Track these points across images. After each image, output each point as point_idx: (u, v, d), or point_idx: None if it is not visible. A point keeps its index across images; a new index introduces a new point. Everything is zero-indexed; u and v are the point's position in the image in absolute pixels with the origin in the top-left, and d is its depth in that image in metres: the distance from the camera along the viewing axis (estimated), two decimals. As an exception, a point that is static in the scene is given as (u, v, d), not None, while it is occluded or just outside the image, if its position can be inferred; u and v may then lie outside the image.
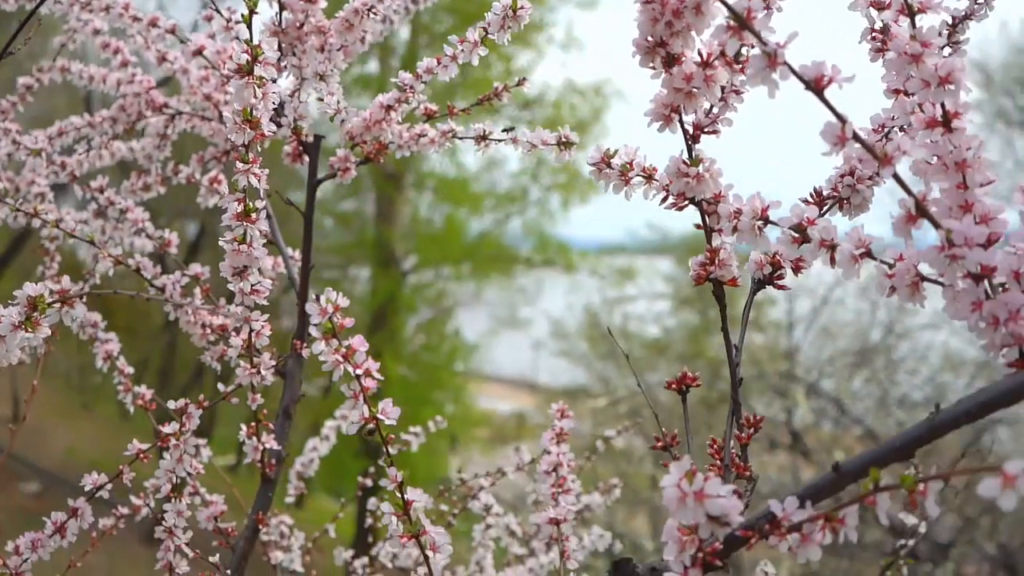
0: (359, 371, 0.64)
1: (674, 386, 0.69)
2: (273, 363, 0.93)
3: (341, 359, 0.63)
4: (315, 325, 0.62)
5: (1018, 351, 0.52)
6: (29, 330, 0.68)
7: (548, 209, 11.48)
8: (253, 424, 0.98)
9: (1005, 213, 0.55)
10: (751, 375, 6.70)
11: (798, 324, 7.49)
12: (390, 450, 0.67)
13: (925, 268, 0.56)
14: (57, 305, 0.70)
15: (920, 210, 0.53)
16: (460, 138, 1.01)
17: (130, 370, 1.12)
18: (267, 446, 0.99)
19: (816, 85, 0.52)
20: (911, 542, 1.12)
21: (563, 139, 0.87)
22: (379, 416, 0.65)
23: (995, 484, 0.41)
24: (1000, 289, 0.54)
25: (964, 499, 6.29)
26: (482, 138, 0.98)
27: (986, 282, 0.54)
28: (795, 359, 6.33)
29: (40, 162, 1.14)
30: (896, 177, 0.53)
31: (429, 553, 0.67)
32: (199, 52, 1.08)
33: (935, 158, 0.56)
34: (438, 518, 1.37)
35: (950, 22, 0.74)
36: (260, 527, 1.00)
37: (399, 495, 0.67)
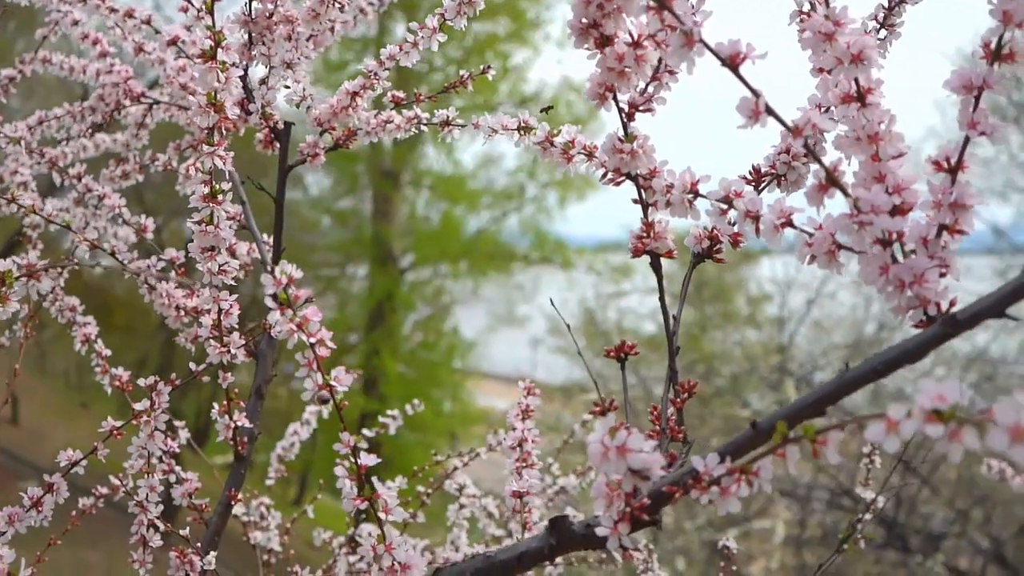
0: (313, 340, 0.67)
1: (612, 354, 0.72)
2: (243, 342, 0.96)
3: (295, 328, 0.66)
4: (270, 295, 0.65)
5: (923, 312, 0.55)
6: (-1, 304, 0.71)
7: (545, 206, 11.52)
8: (225, 403, 1.01)
9: (918, 183, 0.58)
10: (745, 370, 6.73)
11: (793, 318, 7.53)
12: (342, 414, 0.70)
13: (843, 237, 0.59)
14: (24, 279, 0.73)
15: (831, 179, 0.56)
16: (425, 124, 1.04)
17: (107, 352, 1.15)
18: (239, 424, 1.02)
19: (732, 62, 0.55)
20: (867, 516, 1.15)
21: (522, 124, 0.90)
22: (332, 383, 0.68)
23: (880, 429, 0.44)
24: (913, 255, 0.57)
25: (955, 492, 6.34)
26: (445, 124, 1.01)
27: (897, 248, 0.57)
28: (787, 353, 6.37)
29: (20, 150, 1.17)
30: (807, 148, 0.56)
31: (381, 515, 0.70)
32: (173, 42, 1.11)
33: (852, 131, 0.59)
34: (414, 500, 1.40)
35: (886, 5, 0.77)
36: (232, 503, 1.03)
37: (352, 460, 0.70)
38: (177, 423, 1.25)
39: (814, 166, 0.67)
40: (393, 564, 0.69)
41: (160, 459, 1.02)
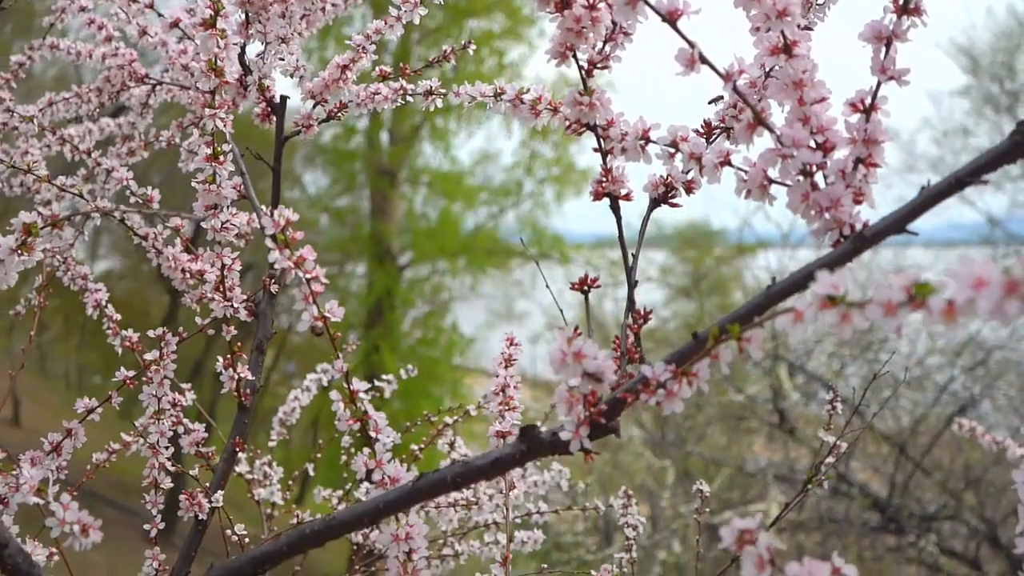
0: (309, 276, 0.75)
1: (576, 287, 0.80)
2: (244, 297, 1.04)
3: (293, 265, 0.74)
4: (269, 236, 0.73)
5: (839, 233, 0.63)
6: (24, 253, 0.79)
7: (542, 202, 11.61)
8: (229, 356, 1.09)
9: (838, 124, 0.66)
10: (739, 357, 6.81)
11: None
12: (336, 344, 0.77)
13: (772, 172, 0.67)
14: (48, 229, 0.81)
15: (757, 119, 0.64)
16: (410, 94, 1.12)
17: (118, 316, 1.22)
18: (242, 376, 1.09)
19: (671, 17, 0.63)
20: (831, 460, 1.23)
21: (498, 91, 0.97)
22: (327, 315, 0.76)
23: (788, 319, 0.52)
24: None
25: (948, 475, 6.43)
26: (429, 93, 1.09)
27: (821, 178, 0.65)
28: (780, 339, 6.46)
29: (33, 127, 1.25)
30: (736, 91, 0.64)
31: (372, 434, 0.77)
32: (175, 24, 1.18)
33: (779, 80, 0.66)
34: (408, 456, 1.48)
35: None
36: (237, 450, 1.11)
37: (346, 385, 0.78)
38: (185, 385, 1.32)
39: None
40: (383, 478, 0.77)
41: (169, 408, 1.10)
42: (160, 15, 1.24)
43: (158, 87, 1.35)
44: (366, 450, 0.79)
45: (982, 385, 6.87)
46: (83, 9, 1.33)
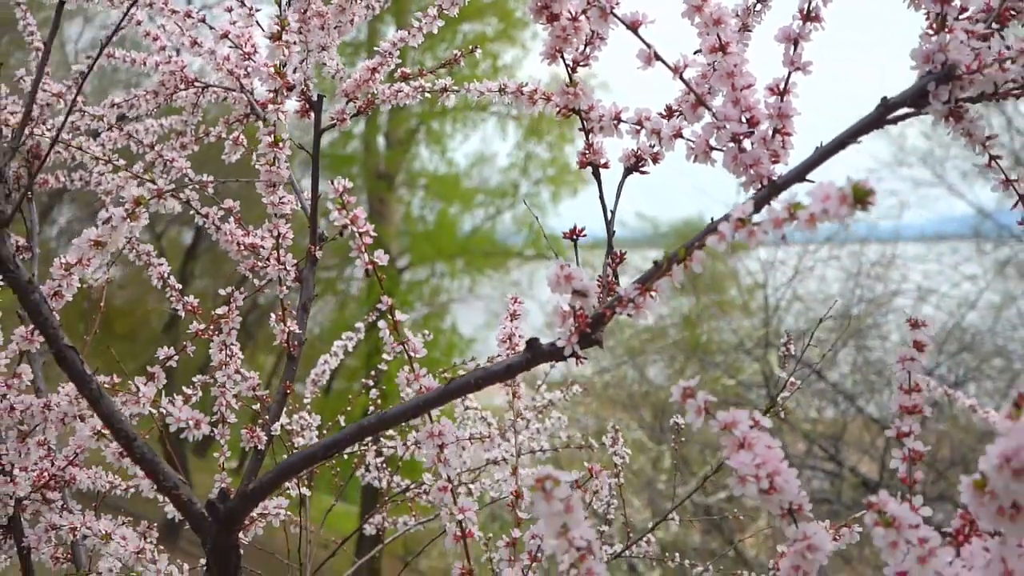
0: (361, 231, 0.96)
1: (568, 235, 1.02)
2: (295, 262, 1.25)
3: (349, 222, 0.96)
4: (331, 200, 0.95)
5: (760, 183, 0.84)
6: (133, 220, 1.00)
7: (539, 202, 11.83)
8: (280, 312, 1.30)
9: (760, 105, 0.88)
10: (732, 342, 7.04)
11: (777, 292, 7.87)
12: (382, 284, 0.99)
13: (712, 141, 0.88)
14: (155, 199, 1.02)
15: (699, 100, 0.85)
16: (428, 92, 1.33)
17: (179, 286, 1.44)
18: (291, 329, 1.31)
19: (633, 26, 0.84)
20: (787, 394, 1.44)
21: (502, 87, 1.19)
22: (376, 260, 0.97)
23: (715, 239, 0.74)
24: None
25: (935, 455, 6.66)
26: (444, 90, 1.31)
27: (749, 144, 0.87)
28: (772, 327, 6.69)
29: (104, 125, 1.46)
30: (684, 81, 0.85)
31: (411, 353, 0.99)
32: (225, 35, 1.40)
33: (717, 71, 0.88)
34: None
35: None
36: (288, 392, 1.33)
37: (391, 317, 0.99)
38: (237, 348, 1.53)
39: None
40: (420, 388, 0.98)
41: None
42: (212, 28, 1.46)
43: (206, 89, 1.56)
44: (405, 367, 1.00)
45: (966, 368, 7.11)
46: (139, 23, 1.55)
